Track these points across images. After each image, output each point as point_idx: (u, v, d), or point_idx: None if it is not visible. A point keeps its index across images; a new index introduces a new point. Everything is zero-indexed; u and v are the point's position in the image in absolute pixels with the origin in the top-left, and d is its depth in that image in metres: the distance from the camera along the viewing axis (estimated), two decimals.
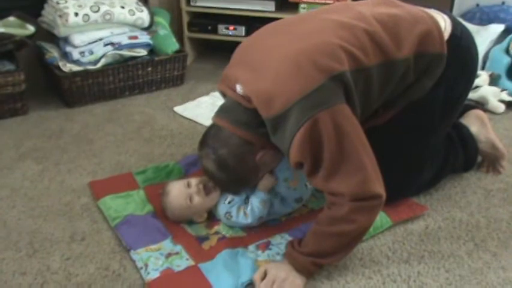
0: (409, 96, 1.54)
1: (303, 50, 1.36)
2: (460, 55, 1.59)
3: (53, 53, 2.48)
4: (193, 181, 1.60)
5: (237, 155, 1.44)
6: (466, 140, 1.87)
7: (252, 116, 1.40)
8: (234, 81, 1.46)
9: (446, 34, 1.55)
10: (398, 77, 1.47)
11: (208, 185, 1.60)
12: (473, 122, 1.90)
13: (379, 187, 1.35)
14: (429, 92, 1.55)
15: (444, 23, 1.57)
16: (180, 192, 1.58)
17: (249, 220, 1.56)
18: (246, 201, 1.59)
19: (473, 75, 1.71)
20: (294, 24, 1.52)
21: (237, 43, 1.60)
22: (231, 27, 2.91)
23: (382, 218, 1.61)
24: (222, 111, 1.50)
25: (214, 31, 2.96)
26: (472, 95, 2.43)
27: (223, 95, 1.58)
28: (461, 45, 1.59)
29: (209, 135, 1.49)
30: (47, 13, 2.47)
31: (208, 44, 3.27)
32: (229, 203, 1.60)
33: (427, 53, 1.49)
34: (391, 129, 1.61)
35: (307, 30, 1.45)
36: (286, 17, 1.65)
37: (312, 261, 1.38)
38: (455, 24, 1.60)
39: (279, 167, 1.59)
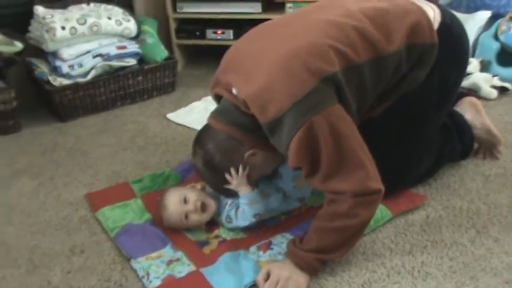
0: (403, 88, 1.54)
1: (293, 52, 1.35)
2: (452, 43, 1.59)
3: (42, 68, 2.47)
4: (192, 197, 1.56)
5: (224, 150, 1.45)
6: (462, 127, 1.86)
7: (251, 120, 1.39)
8: (229, 85, 1.46)
9: (436, 23, 1.55)
10: (391, 70, 1.47)
11: (205, 201, 1.57)
12: (467, 109, 1.90)
13: (378, 182, 1.35)
14: (423, 82, 1.55)
15: (433, 12, 1.57)
16: (176, 209, 1.55)
17: (246, 222, 1.55)
18: None
19: (466, 62, 1.72)
20: (281, 26, 1.51)
21: (226, 47, 1.60)
22: (219, 31, 2.91)
23: (382, 211, 1.60)
24: (218, 113, 1.49)
25: (203, 36, 2.96)
26: (464, 83, 2.43)
27: (218, 98, 1.57)
28: (452, 33, 1.59)
29: (201, 134, 1.51)
30: (34, 29, 2.46)
31: (197, 50, 3.27)
32: (229, 206, 1.59)
33: (418, 43, 1.49)
34: (388, 121, 1.60)
35: (295, 31, 1.44)
36: (274, 17, 1.64)
37: (316, 257, 1.37)
38: (444, 13, 1.60)
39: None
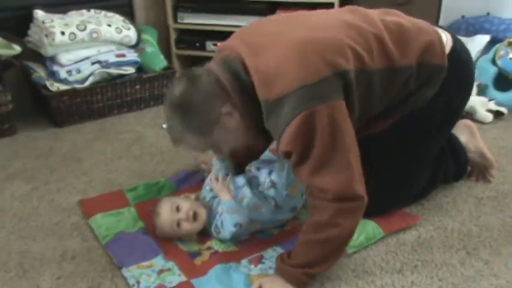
0: (409, 105, 1.56)
1: (312, 40, 1.36)
2: (460, 68, 1.62)
3: (39, 72, 2.48)
4: (184, 206, 1.56)
5: (206, 94, 1.38)
6: (456, 149, 1.88)
7: (250, 84, 1.36)
8: (238, 53, 1.41)
9: (448, 48, 1.59)
10: (400, 84, 1.50)
11: (197, 211, 1.57)
12: (462, 131, 1.92)
13: (362, 189, 1.35)
14: (429, 102, 1.58)
15: (446, 37, 1.61)
16: (168, 218, 1.56)
17: (227, 232, 1.55)
18: None
19: (471, 87, 1.74)
20: (302, 17, 1.53)
21: None
22: (219, 44, 2.91)
23: (374, 229, 1.60)
24: (221, 61, 1.43)
25: (202, 47, 2.97)
26: None
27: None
28: (460, 58, 1.63)
29: (195, 68, 1.46)
30: (33, 33, 2.47)
31: (196, 61, 3.27)
32: (219, 216, 1.59)
33: (429, 63, 1.52)
34: (389, 138, 1.61)
35: (316, 24, 1.46)
36: None
37: (303, 272, 1.38)
38: (455, 39, 1.64)
39: (285, 173, 1.58)
